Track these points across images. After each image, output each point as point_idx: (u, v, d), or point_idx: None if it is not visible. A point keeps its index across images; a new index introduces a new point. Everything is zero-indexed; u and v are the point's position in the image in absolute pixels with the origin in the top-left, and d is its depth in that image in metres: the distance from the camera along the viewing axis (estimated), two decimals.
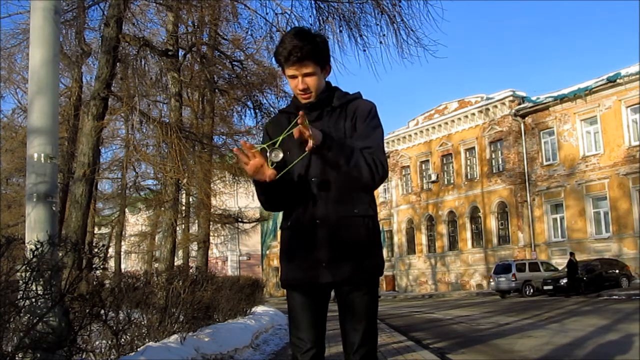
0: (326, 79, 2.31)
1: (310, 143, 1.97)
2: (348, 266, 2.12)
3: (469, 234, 31.70)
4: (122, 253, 23.34)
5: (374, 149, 2.13)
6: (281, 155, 2.04)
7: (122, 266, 23.15)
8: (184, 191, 15.03)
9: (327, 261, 2.12)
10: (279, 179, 2.08)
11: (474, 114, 31.28)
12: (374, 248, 2.20)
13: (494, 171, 30.62)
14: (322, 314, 2.24)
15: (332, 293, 2.26)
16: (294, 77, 2.18)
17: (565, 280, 20.80)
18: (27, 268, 3.06)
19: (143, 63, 9.74)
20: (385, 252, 34.13)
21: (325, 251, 2.12)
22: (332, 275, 2.12)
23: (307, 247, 2.15)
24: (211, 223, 16.27)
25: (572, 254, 21.77)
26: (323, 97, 2.24)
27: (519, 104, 29.20)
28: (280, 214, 2.32)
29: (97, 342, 4.44)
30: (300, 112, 1.96)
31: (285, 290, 2.29)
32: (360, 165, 2.07)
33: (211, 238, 17.15)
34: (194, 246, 16.14)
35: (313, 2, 8.56)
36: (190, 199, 16.89)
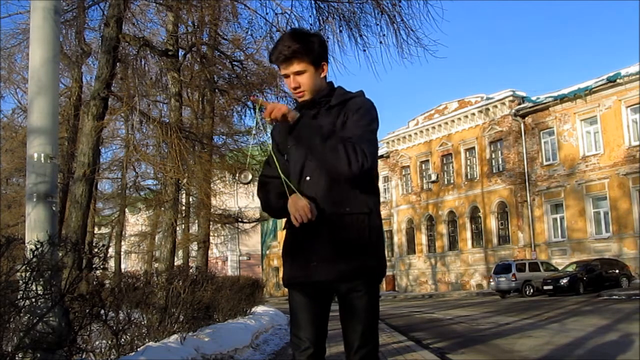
0: (327, 79, 2.32)
1: (268, 118, 2.10)
2: (338, 265, 2.11)
3: (469, 234, 31.70)
4: (122, 253, 23.32)
5: (357, 137, 2.10)
6: (250, 177, 2.20)
7: (122, 266, 23.14)
8: (184, 191, 15.01)
9: (318, 260, 2.13)
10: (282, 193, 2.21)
11: (474, 114, 31.28)
12: (369, 247, 2.16)
13: (494, 171, 30.62)
14: (323, 314, 2.23)
15: None
16: (286, 76, 2.24)
17: (565, 280, 20.80)
18: (27, 268, 3.06)
19: (143, 63, 9.74)
20: (385, 252, 33.95)
21: (316, 250, 2.14)
22: (322, 274, 2.13)
23: (301, 246, 2.18)
24: (211, 223, 16.25)
25: None
26: (322, 95, 2.26)
27: (519, 104, 29.19)
28: None
29: (97, 342, 4.44)
30: (251, 98, 2.13)
31: (286, 290, 2.30)
32: (338, 151, 2.05)
33: (211, 238, 17.13)
34: (194, 246, 16.12)
35: (313, 2, 8.56)
36: (190, 199, 16.88)
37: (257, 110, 2.19)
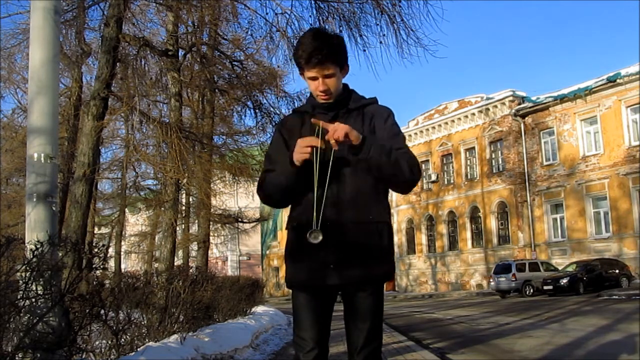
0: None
1: (333, 140, 2.03)
2: (356, 270, 2.11)
3: (469, 234, 31.70)
4: (122, 253, 23.32)
5: (407, 149, 2.16)
6: (320, 237, 2.09)
7: (122, 266, 23.15)
8: (184, 191, 15.02)
9: (335, 263, 2.10)
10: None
11: (474, 114, 31.28)
12: (385, 254, 2.19)
13: (494, 171, 30.62)
14: (327, 315, 2.22)
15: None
16: (314, 78, 2.19)
17: (565, 280, 20.80)
18: (27, 268, 3.06)
19: (143, 63, 9.73)
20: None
21: (334, 253, 2.11)
22: (340, 278, 2.11)
23: (314, 249, 2.12)
24: (211, 223, 16.26)
25: None
26: (340, 98, 2.25)
27: (519, 104, 29.20)
28: (282, 214, 2.33)
29: (97, 342, 4.44)
30: (313, 120, 2.09)
31: (287, 290, 2.29)
32: (401, 164, 2.10)
33: (211, 238, 17.14)
34: (194, 246, 16.13)
35: (313, 2, 8.56)
36: (190, 199, 16.89)
37: (318, 134, 2.10)
